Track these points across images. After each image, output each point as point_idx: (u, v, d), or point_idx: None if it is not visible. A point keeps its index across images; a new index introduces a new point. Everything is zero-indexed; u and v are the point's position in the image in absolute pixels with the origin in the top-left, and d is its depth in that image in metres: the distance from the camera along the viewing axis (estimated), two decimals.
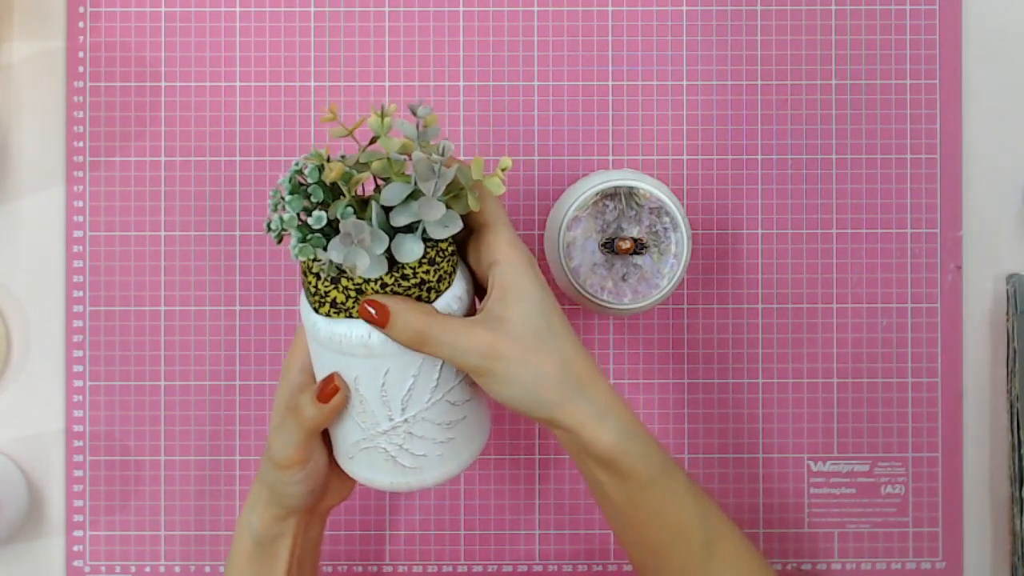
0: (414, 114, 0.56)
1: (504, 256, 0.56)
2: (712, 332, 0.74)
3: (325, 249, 0.54)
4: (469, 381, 0.59)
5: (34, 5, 0.74)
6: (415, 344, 0.54)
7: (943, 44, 0.74)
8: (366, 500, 0.74)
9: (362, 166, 0.56)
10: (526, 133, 0.74)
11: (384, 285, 0.55)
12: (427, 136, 0.56)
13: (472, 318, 0.55)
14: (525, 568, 0.74)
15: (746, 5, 0.74)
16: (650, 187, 0.67)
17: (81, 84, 0.74)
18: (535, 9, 0.74)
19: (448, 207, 0.56)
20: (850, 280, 0.74)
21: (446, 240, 0.57)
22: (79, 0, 0.74)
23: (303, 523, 0.62)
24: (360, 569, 0.74)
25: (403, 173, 0.55)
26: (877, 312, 0.74)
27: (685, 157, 0.74)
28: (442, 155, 0.54)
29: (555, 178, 0.74)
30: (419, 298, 0.56)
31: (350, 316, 0.56)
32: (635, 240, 0.67)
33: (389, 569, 0.74)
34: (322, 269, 0.55)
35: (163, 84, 0.74)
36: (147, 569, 0.74)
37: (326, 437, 0.61)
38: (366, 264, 0.54)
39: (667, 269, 0.67)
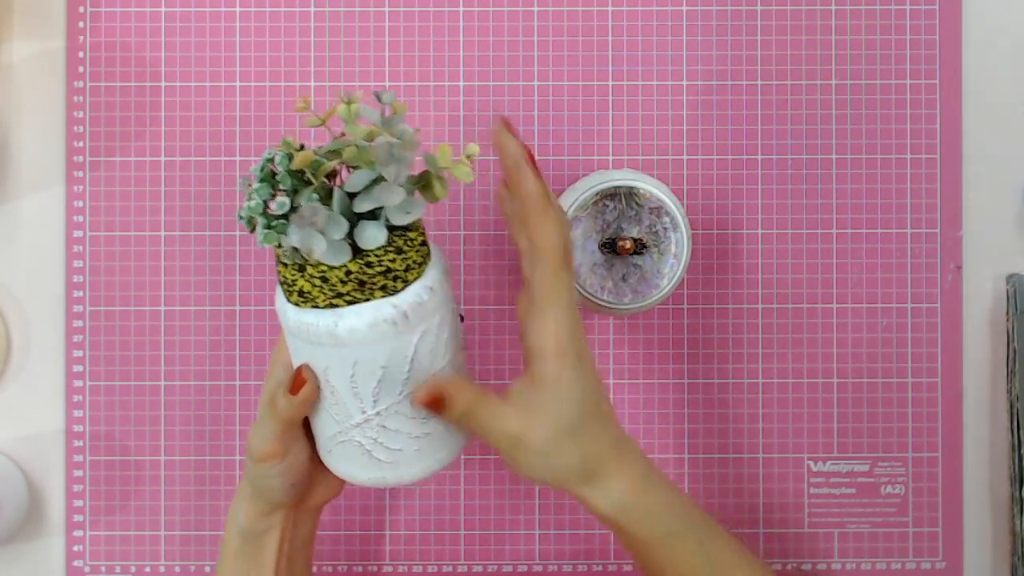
0: (379, 100, 0.56)
1: (552, 351, 0.54)
2: (712, 332, 0.74)
3: None
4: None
5: (34, 5, 0.74)
6: (461, 422, 0.56)
7: (943, 44, 0.74)
8: (366, 500, 0.74)
9: (333, 154, 0.56)
10: (526, 133, 0.74)
11: (349, 272, 0.55)
12: (393, 122, 0.56)
13: (508, 399, 0.55)
14: (525, 568, 0.74)
15: (746, 5, 0.74)
16: (650, 187, 0.67)
17: (81, 84, 0.74)
18: (535, 9, 0.74)
19: (413, 194, 0.56)
20: (850, 280, 0.74)
21: (416, 230, 0.57)
22: (79, 0, 0.74)
23: (290, 519, 0.62)
24: (360, 569, 0.74)
25: (372, 161, 0.55)
26: (877, 312, 0.74)
27: (685, 157, 0.74)
28: (400, 140, 0.54)
29: (555, 178, 0.74)
30: (384, 287, 0.55)
31: (316, 306, 0.56)
32: (635, 240, 0.67)
33: (389, 569, 0.74)
34: (287, 256, 0.55)
35: (163, 84, 0.74)
36: (147, 569, 0.74)
37: (310, 433, 0.61)
38: (323, 248, 0.54)
39: (667, 269, 0.67)
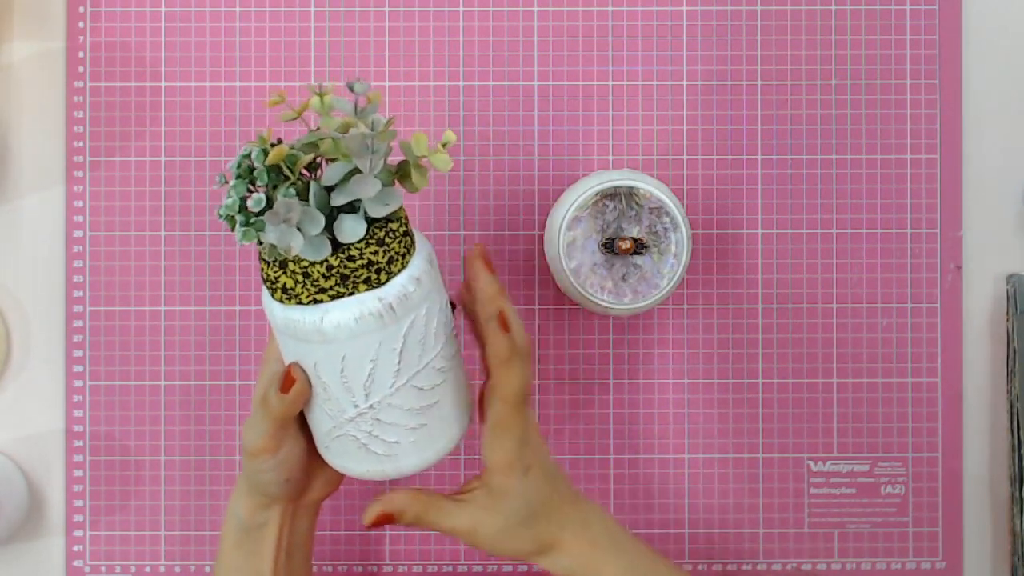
0: (351, 90, 0.55)
1: (502, 468, 0.59)
2: (712, 332, 0.74)
3: None
4: (437, 366, 0.58)
5: (34, 5, 0.74)
6: (415, 526, 0.60)
7: (943, 44, 0.74)
8: (366, 500, 0.74)
9: (310, 147, 0.55)
10: (526, 133, 0.74)
11: (330, 268, 0.54)
12: (367, 113, 0.55)
13: (462, 498, 0.60)
14: (525, 568, 0.74)
15: (746, 5, 0.74)
16: (650, 187, 0.67)
17: (81, 84, 0.74)
18: (535, 9, 0.74)
19: (392, 184, 0.56)
20: (850, 280, 0.74)
21: (398, 220, 0.56)
22: (79, 0, 0.74)
23: (288, 513, 0.63)
24: (360, 569, 0.74)
25: (347, 153, 0.55)
26: (877, 312, 0.74)
27: (685, 157, 0.74)
28: (372, 130, 0.53)
29: (555, 178, 0.74)
30: (368, 279, 0.55)
31: (300, 303, 0.55)
32: (635, 240, 0.67)
33: (389, 569, 0.74)
34: (268, 253, 0.55)
35: (163, 84, 0.74)
36: (147, 569, 0.74)
37: (306, 429, 0.61)
38: (300, 244, 0.53)
39: (667, 269, 0.67)
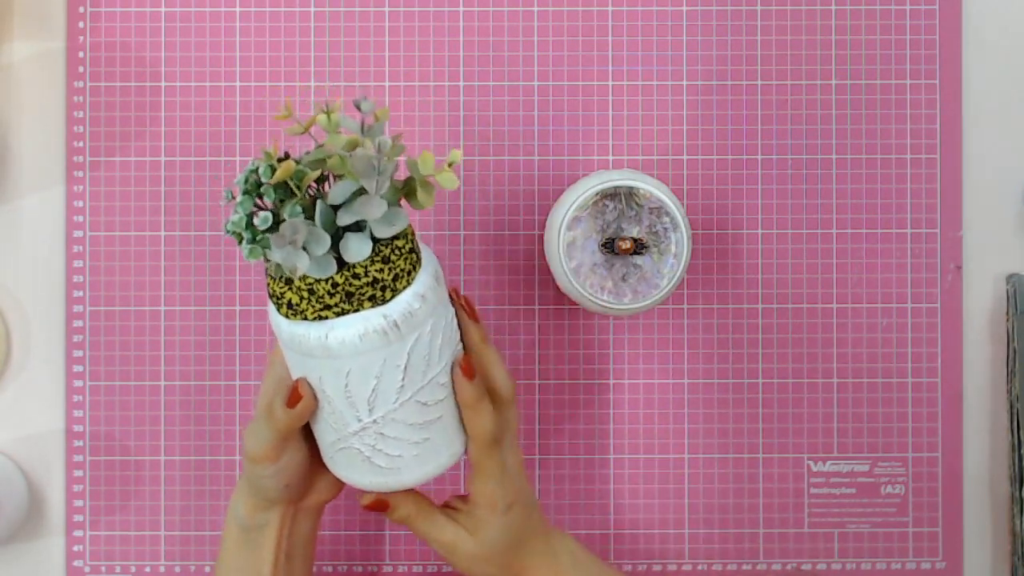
0: (358, 109, 0.55)
1: (484, 503, 0.62)
2: (712, 332, 0.74)
3: None
4: (441, 381, 0.58)
5: (34, 5, 0.74)
6: (403, 524, 0.63)
7: (943, 44, 0.74)
8: None
9: (317, 163, 0.55)
10: (526, 133, 0.74)
11: (335, 285, 0.54)
12: (374, 132, 0.55)
13: (449, 514, 0.63)
14: None
15: (746, 5, 0.74)
16: (650, 187, 0.67)
17: (81, 84, 0.74)
18: (535, 9, 0.74)
19: (399, 202, 0.55)
20: (850, 280, 0.74)
21: (404, 238, 0.56)
22: (79, 0, 0.74)
23: (288, 516, 0.63)
24: (360, 569, 0.74)
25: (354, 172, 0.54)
26: (877, 312, 0.74)
27: (685, 157, 0.74)
28: (379, 151, 0.53)
29: (555, 178, 0.74)
30: (373, 297, 0.55)
31: (305, 319, 0.55)
32: (635, 240, 0.67)
33: (389, 569, 0.74)
34: (274, 270, 0.55)
35: (163, 84, 0.74)
36: (147, 569, 0.74)
37: (309, 435, 0.61)
38: (305, 264, 0.53)
39: (667, 269, 0.67)
